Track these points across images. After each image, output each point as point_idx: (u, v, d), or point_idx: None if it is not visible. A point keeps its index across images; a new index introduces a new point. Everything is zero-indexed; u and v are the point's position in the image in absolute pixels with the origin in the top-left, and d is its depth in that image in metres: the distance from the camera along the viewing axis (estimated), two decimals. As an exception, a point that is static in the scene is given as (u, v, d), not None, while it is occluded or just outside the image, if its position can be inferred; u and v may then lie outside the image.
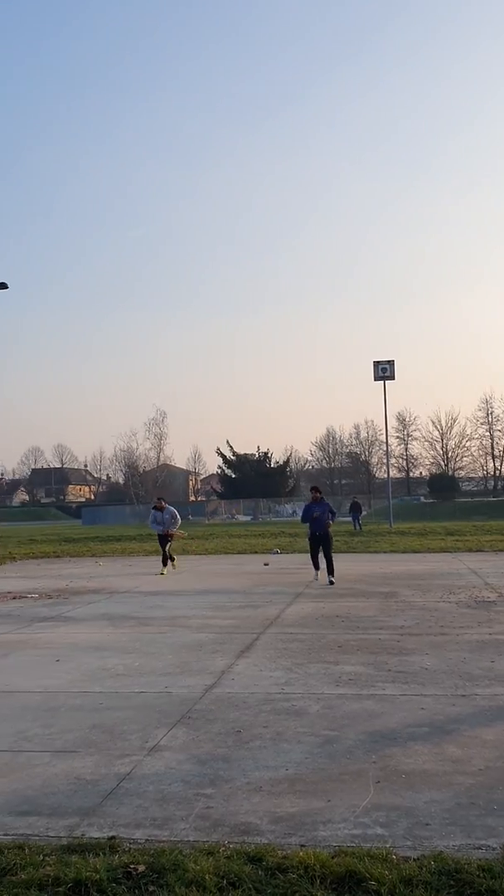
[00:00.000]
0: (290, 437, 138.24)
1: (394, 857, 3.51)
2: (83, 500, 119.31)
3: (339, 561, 20.45)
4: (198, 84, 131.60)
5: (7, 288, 26.83)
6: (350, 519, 40.04)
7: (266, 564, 19.75)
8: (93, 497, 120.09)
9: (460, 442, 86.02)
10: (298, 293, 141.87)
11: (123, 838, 3.79)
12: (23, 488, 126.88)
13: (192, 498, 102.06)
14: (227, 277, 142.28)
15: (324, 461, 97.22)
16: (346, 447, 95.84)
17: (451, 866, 3.39)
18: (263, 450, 79.58)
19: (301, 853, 3.52)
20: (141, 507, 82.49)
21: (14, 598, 13.92)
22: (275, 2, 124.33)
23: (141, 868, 3.44)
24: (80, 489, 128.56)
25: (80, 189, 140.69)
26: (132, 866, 3.45)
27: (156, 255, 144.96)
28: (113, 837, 3.79)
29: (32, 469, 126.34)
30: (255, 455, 79.23)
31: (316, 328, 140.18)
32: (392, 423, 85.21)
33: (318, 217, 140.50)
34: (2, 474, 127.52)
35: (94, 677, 7.35)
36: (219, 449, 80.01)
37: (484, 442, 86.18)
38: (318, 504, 15.54)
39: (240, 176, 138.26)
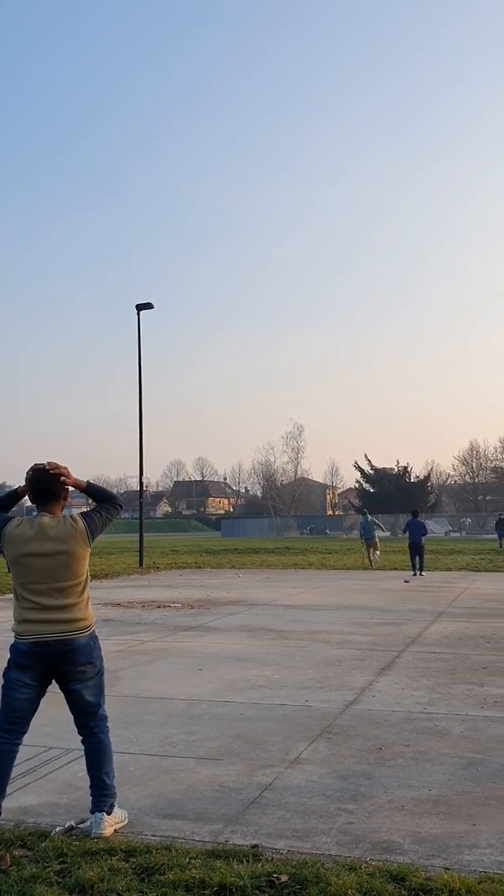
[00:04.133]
0: (431, 451, 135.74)
1: (544, 887, 3.38)
2: (222, 512, 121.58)
3: (486, 580, 19.88)
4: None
5: (152, 308, 27.85)
6: (496, 536, 40.11)
7: (406, 581, 19.42)
8: (232, 509, 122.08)
9: None
10: (441, 301, 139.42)
11: (266, 847, 3.85)
12: (165, 500, 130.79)
13: (330, 512, 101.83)
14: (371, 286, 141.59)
15: (467, 476, 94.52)
16: (492, 461, 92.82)
17: None
18: (403, 464, 78.04)
19: (445, 876, 3.45)
20: (278, 521, 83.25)
21: (158, 606, 14.37)
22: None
23: (284, 878, 3.48)
24: (220, 501, 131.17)
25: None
26: (275, 876, 3.50)
27: (297, 267, 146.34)
28: (256, 846, 3.86)
29: (175, 481, 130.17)
30: (394, 469, 77.88)
31: (463, 338, 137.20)
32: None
33: (464, 221, 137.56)
34: (146, 486, 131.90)
35: (236, 687, 7.48)
36: (356, 462, 79.07)
37: None
38: None
39: (382, 182, 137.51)
